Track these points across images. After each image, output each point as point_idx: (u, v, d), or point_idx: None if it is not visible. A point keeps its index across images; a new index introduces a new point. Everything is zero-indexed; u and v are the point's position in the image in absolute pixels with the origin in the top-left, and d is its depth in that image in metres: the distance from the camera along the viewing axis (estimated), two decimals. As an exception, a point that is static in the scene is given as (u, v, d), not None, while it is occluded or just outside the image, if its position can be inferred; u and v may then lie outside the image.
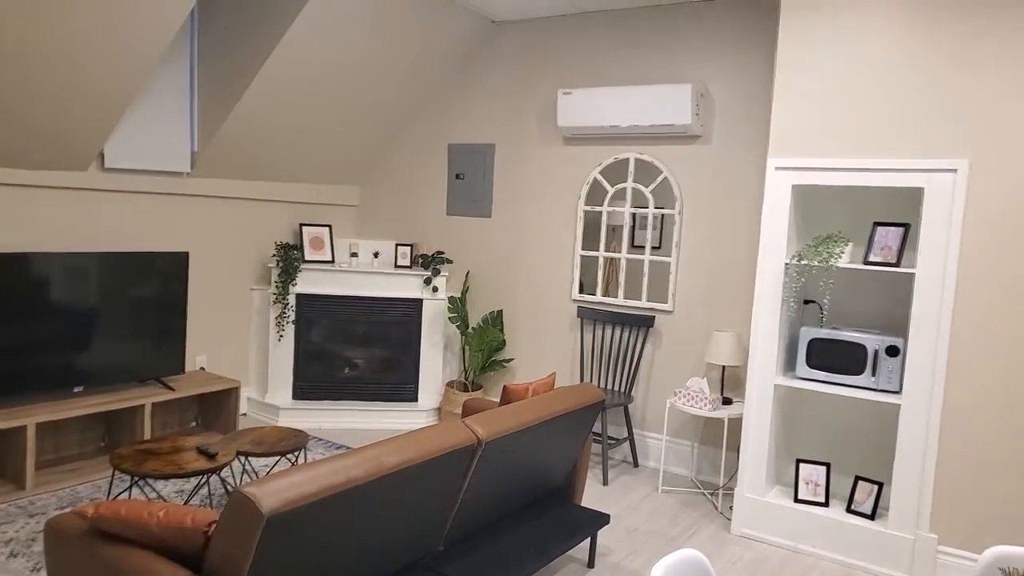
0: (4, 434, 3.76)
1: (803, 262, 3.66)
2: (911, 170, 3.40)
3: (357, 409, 5.14)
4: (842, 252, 3.64)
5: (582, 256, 5.00)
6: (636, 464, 4.73)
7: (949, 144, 3.33)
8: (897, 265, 3.52)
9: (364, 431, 5.06)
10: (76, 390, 4.06)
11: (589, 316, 4.90)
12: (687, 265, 4.64)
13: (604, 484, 4.38)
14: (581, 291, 5.02)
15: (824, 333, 3.68)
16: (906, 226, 3.55)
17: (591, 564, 3.40)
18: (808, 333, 3.72)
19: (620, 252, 4.86)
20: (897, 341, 3.51)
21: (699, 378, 4.26)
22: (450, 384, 5.29)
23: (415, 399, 5.29)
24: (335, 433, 4.97)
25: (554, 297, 5.12)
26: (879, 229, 3.62)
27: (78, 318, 4.02)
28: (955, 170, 3.30)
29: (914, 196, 3.61)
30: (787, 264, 3.71)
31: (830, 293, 3.92)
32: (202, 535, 2.08)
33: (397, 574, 2.67)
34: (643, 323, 4.70)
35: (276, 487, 2.02)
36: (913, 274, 3.49)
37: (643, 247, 4.79)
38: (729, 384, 4.46)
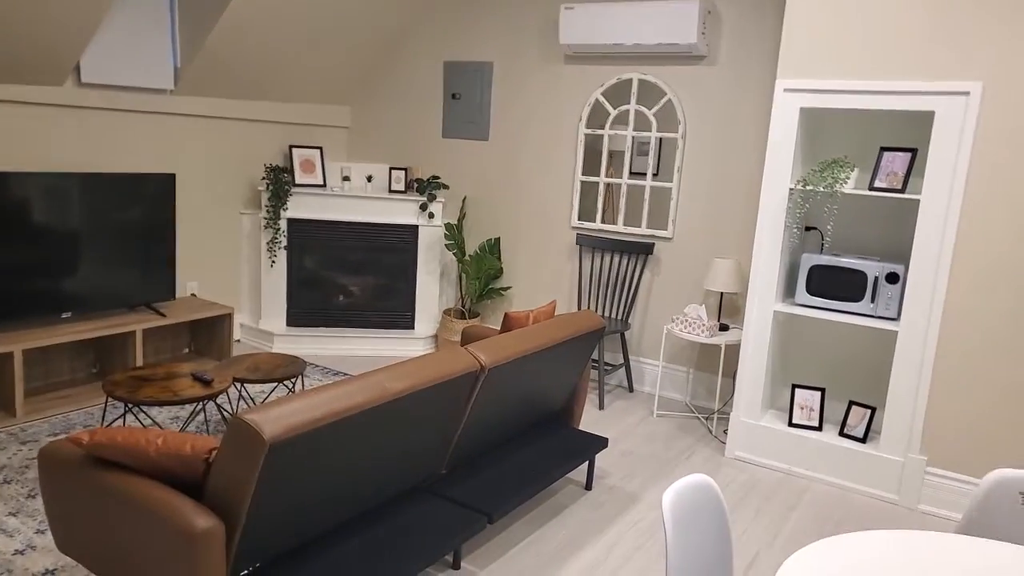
0: (-7, 360, 3.70)
1: (808, 187, 3.58)
2: (922, 93, 3.28)
3: (353, 336, 5.11)
4: (847, 178, 3.56)
5: (582, 182, 4.89)
6: (631, 389, 4.75)
7: (962, 66, 3.21)
8: (902, 191, 3.44)
9: (361, 358, 5.05)
10: (64, 316, 3.98)
11: (588, 243, 4.83)
12: (688, 191, 4.55)
13: (600, 409, 4.41)
14: (580, 218, 4.93)
15: (825, 260, 3.64)
16: (913, 151, 3.47)
17: (589, 486, 3.44)
18: (809, 260, 3.67)
19: (621, 178, 4.75)
20: (898, 268, 3.48)
21: (697, 305, 4.24)
22: (447, 312, 5.24)
23: (412, 326, 5.26)
24: (331, 360, 4.95)
25: (553, 224, 5.04)
26: (886, 154, 3.53)
27: (62, 241, 3.90)
28: (967, 93, 3.19)
29: (923, 120, 3.51)
30: (791, 190, 3.63)
31: (833, 219, 3.85)
32: (202, 462, 2.05)
33: (399, 498, 2.67)
34: (642, 250, 4.64)
35: (278, 413, 1.98)
36: (918, 200, 3.43)
37: (644, 174, 4.68)
38: (727, 311, 4.45)
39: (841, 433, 3.71)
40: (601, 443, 3.36)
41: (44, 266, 3.84)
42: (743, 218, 4.38)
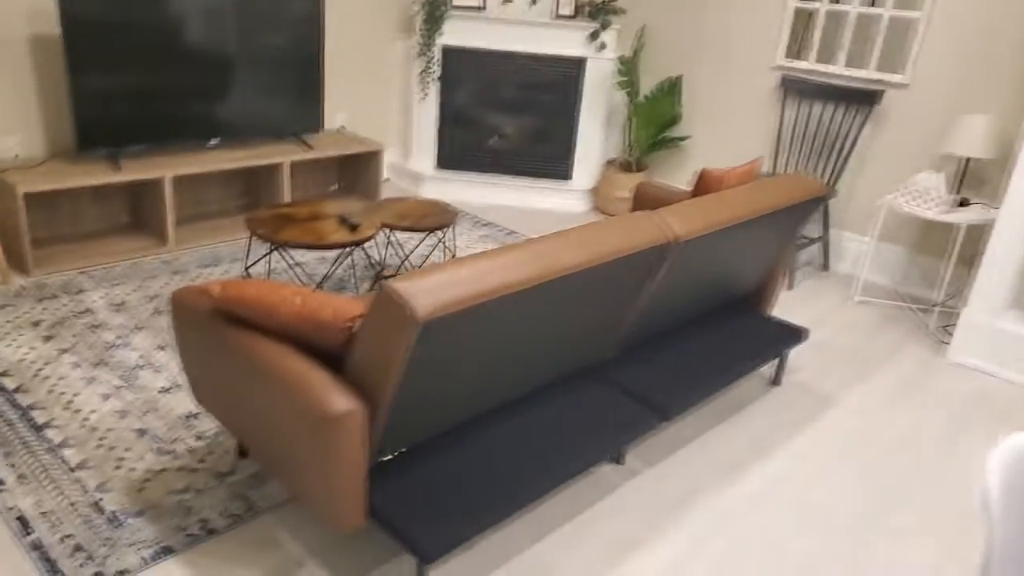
0: (142, 186, 3.57)
1: None
2: None
3: (504, 184, 4.64)
4: None
5: (796, 8, 3.95)
6: (826, 268, 4.05)
7: None
8: None
9: (510, 208, 4.61)
10: (211, 143, 3.76)
11: (795, 88, 3.96)
12: (941, 23, 3.53)
13: (789, 288, 3.78)
14: (788, 55, 4.03)
15: None
16: None
17: (776, 381, 2.92)
18: (1115, 122, 2.73)
19: (850, 2, 3.78)
20: None
21: (932, 173, 3.39)
22: (610, 162, 4.64)
23: (568, 176, 4.71)
24: (480, 208, 4.55)
25: (750, 62, 4.17)
26: None
27: (209, 65, 3.60)
28: None
29: None
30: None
31: None
32: (344, 331, 1.70)
33: (563, 381, 2.28)
34: (866, 100, 3.74)
35: (433, 284, 1.56)
36: None
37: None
38: (970, 182, 3.55)
39: (1115, 349, 2.91)
40: (798, 334, 2.79)
41: (191, 90, 3.57)
42: (1012, 62, 3.36)
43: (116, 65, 3.30)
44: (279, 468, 1.86)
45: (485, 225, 4.27)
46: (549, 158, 4.69)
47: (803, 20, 3.95)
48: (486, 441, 2.00)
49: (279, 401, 1.71)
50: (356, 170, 4.37)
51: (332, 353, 1.75)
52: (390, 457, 1.88)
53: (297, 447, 1.72)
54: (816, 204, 2.66)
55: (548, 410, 2.15)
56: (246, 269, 3.40)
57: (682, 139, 4.46)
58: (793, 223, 2.66)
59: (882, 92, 3.71)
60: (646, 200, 3.11)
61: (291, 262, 3.53)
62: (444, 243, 3.83)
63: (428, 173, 4.66)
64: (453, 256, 3.76)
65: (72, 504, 2.02)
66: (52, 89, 3.39)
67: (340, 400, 1.61)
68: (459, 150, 4.70)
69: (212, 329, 1.86)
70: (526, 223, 4.36)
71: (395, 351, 1.57)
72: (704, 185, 2.62)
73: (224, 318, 1.85)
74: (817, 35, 3.90)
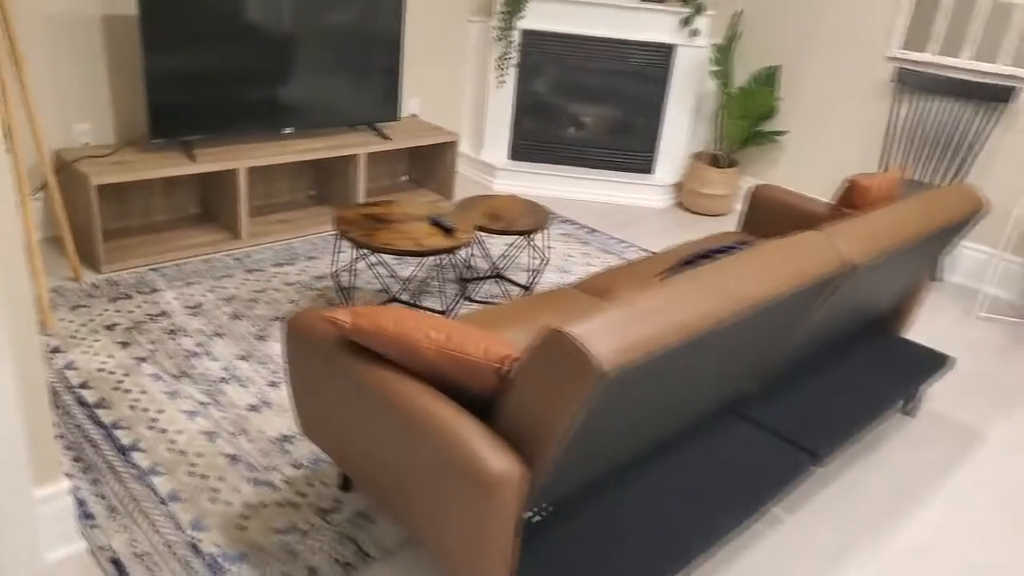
0: (214, 177, 3.36)
1: None
2: None
3: (581, 177, 4.37)
4: None
5: (916, -6, 3.63)
6: (936, 278, 3.75)
7: None
8: None
9: (588, 203, 4.34)
10: (286, 131, 3.53)
11: (913, 83, 3.64)
12: (1086, 14, 3.20)
13: (901, 303, 3.49)
14: (907, 45, 3.70)
15: None
16: None
17: (911, 412, 2.65)
18: None
19: (977, -10, 3.45)
20: None
21: (1075, 181, 3.07)
22: (697, 156, 4.34)
23: (650, 171, 4.43)
24: (555, 203, 4.28)
25: (860, 53, 3.84)
26: None
27: (287, 48, 3.35)
28: None
29: None
30: None
31: None
32: (495, 374, 1.47)
33: (703, 422, 2.04)
34: (995, 96, 3.41)
35: (606, 326, 1.33)
36: None
37: (1015, -16, 3.35)
38: (1114, 192, 3.24)
39: None
40: (940, 361, 2.53)
41: (268, 76, 3.33)
42: None
43: (192, 49, 3.08)
44: (405, 517, 1.64)
45: (564, 222, 4.01)
46: (631, 151, 4.41)
47: (925, 8, 3.61)
48: (633, 495, 1.77)
49: (419, 450, 1.49)
50: (429, 161, 4.12)
51: (477, 397, 1.52)
52: (532, 515, 1.66)
53: (436, 502, 1.50)
54: (975, 217, 2.37)
55: (695, 456, 1.92)
56: (333, 273, 3.18)
57: (779, 134, 4.15)
58: (948, 238, 2.38)
59: (1016, 89, 3.38)
60: (768, 206, 2.85)
61: (372, 261, 3.31)
62: (532, 244, 3.58)
63: (500, 164, 4.40)
64: (543, 260, 3.51)
65: (168, 544, 1.83)
66: (124, 74, 3.18)
67: (498, 459, 1.38)
68: (534, 141, 4.43)
69: (336, 361, 1.64)
70: (606, 220, 4.09)
71: (567, 406, 1.34)
72: (852, 196, 2.35)
73: (351, 349, 1.62)
74: (941, 24, 3.57)
